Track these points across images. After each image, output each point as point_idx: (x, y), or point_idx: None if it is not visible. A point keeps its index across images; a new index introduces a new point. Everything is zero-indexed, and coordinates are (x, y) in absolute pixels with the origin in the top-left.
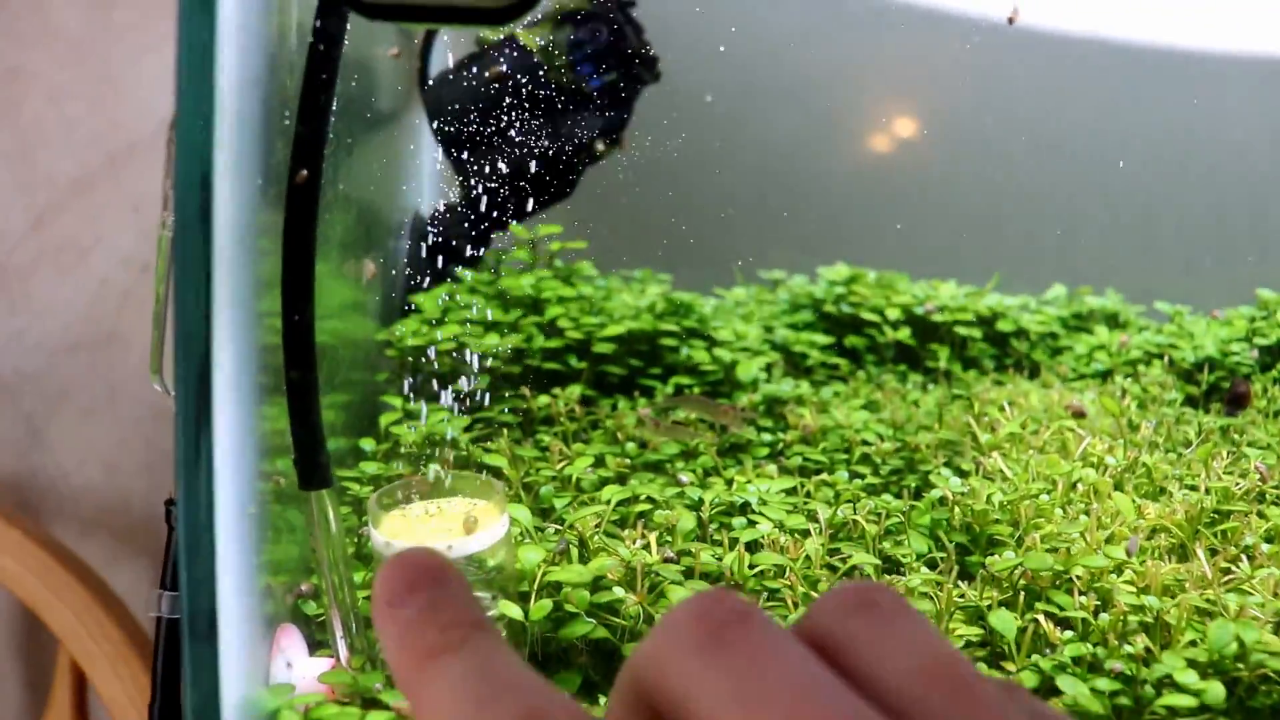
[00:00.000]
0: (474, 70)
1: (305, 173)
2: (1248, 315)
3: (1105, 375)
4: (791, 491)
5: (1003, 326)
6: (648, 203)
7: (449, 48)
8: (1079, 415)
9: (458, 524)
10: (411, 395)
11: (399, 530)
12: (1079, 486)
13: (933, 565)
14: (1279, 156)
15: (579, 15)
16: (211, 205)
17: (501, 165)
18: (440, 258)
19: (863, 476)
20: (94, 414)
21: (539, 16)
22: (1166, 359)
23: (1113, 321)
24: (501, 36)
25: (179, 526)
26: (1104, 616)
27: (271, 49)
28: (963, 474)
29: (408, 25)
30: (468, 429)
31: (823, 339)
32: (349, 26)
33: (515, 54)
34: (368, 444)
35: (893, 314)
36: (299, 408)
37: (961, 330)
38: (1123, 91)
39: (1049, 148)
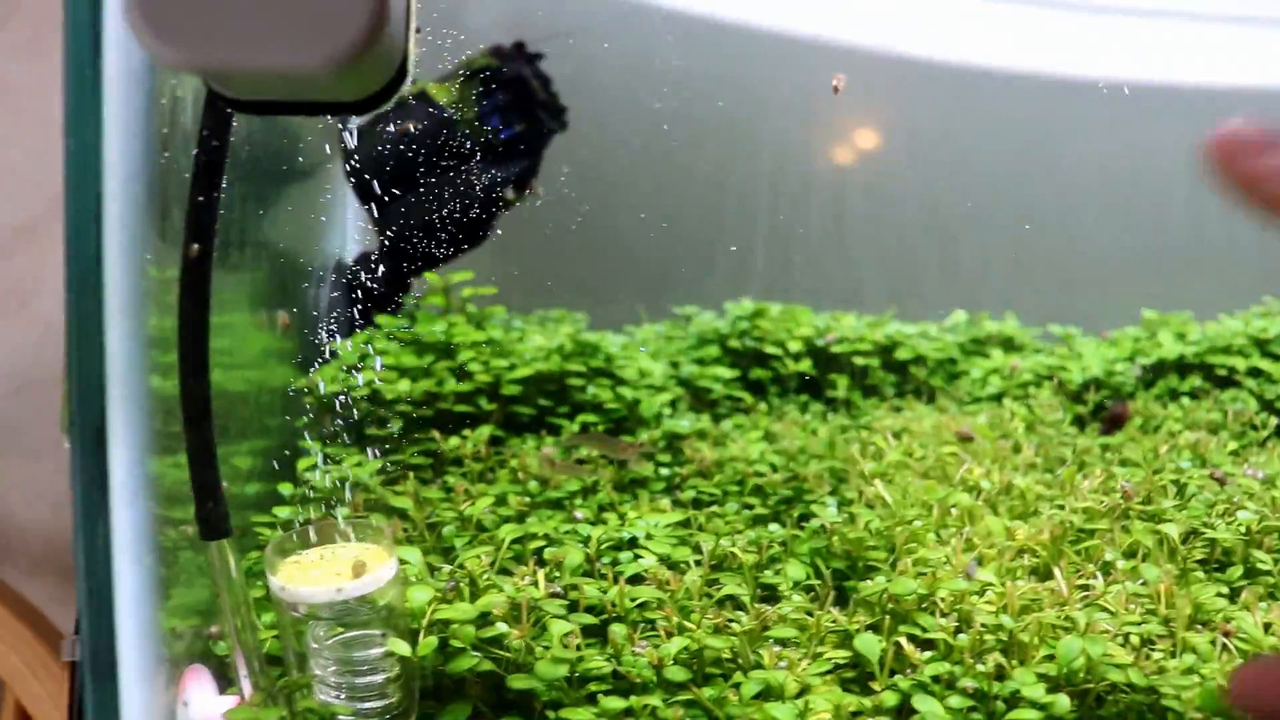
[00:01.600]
0: (388, 124)
1: (197, 246)
2: (1133, 335)
3: (999, 398)
4: (685, 524)
5: (901, 355)
6: (563, 245)
7: None
8: (966, 439)
9: (347, 567)
10: (328, 440)
11: (293, 575)
12: (954, 511)
13: (810, 591)
14: (1173, 181)
15: (487, 70)
16: (102, 275)
17: (416, 215)
18: (359, 305)
19: (752, 507)
20: (41, 455)
21: (449, 71)
22: (1055, 380)
23: (1009, 345)
24: (415, 91)
25: (78, 575)
26: (963, 636)
27: (159, 129)
28: (846, 502)
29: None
30: (381, 471)
31: (727, 373)
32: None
33: (428, 108)
34: (285, 488)
35: (794, 346)
36: (197, 464)
37: (860, 360)
38: (1026, 123)
39: (958, 179)
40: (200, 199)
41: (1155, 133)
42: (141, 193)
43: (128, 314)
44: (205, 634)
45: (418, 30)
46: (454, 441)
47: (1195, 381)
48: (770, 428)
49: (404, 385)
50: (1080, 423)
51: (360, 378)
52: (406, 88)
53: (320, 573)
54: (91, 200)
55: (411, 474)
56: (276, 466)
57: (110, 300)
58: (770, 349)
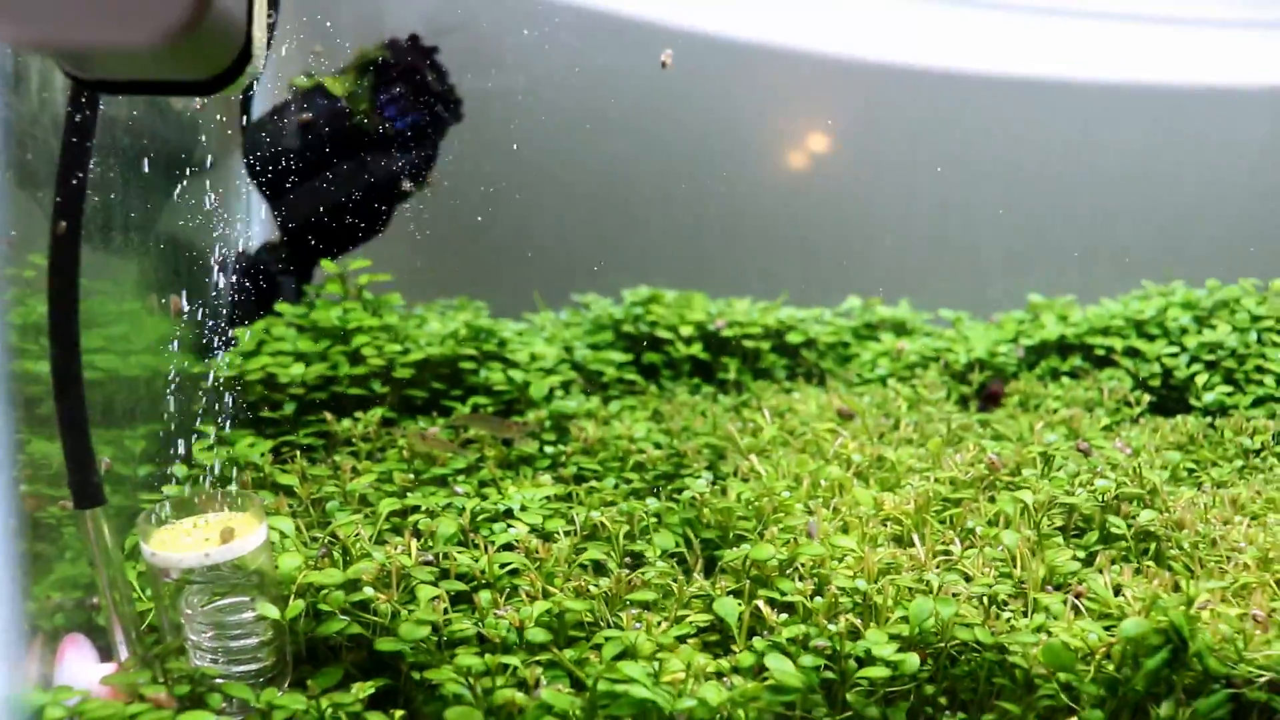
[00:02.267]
0: (286, 116)
1: (64, 224)
2: (1018, 318)
3: (885, 380)
4: (567, 498)
5: (793, 339)
6: (469, 233)
7: (269, 96)
8: (847, 417)
9: (216, 534)
10: (223, 423)
11: (165, 542)
12: (824, 483)
13: (682, 561)
14: (1069, 173)
15: (382, 61)
16: None
17: (315, 205)
18: (259, 293)
19: (630, 482)
20: None
21: (344, 64)
22: (942, 362)
23: (900, 329)
24: (312, 84)
25: None
26: (819, 599)
27: (29, 112)
28: (722, 476)
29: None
30: (274, 451)
31: (620, 357)
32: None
33: (323, 101)
34: (179, 470)
35: (686, 330)
36: (67, 434)
37: (751, 344)
38: (933, 113)
39: (865, 171)
40: (68, 177)
41: (1057, 127)
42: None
43: None
44: (87, 605)
45: (270, 16)
46: (346, 423)
47: (1075, 361)
48: (659, 408)
49: (297, 369)
50: (964, 402)
51: (258, 363)
52: (261, 71)
53: (190, 539)
54: None
55: (299, 454)
56: (169, 449)
57: None
58: (663, 333)
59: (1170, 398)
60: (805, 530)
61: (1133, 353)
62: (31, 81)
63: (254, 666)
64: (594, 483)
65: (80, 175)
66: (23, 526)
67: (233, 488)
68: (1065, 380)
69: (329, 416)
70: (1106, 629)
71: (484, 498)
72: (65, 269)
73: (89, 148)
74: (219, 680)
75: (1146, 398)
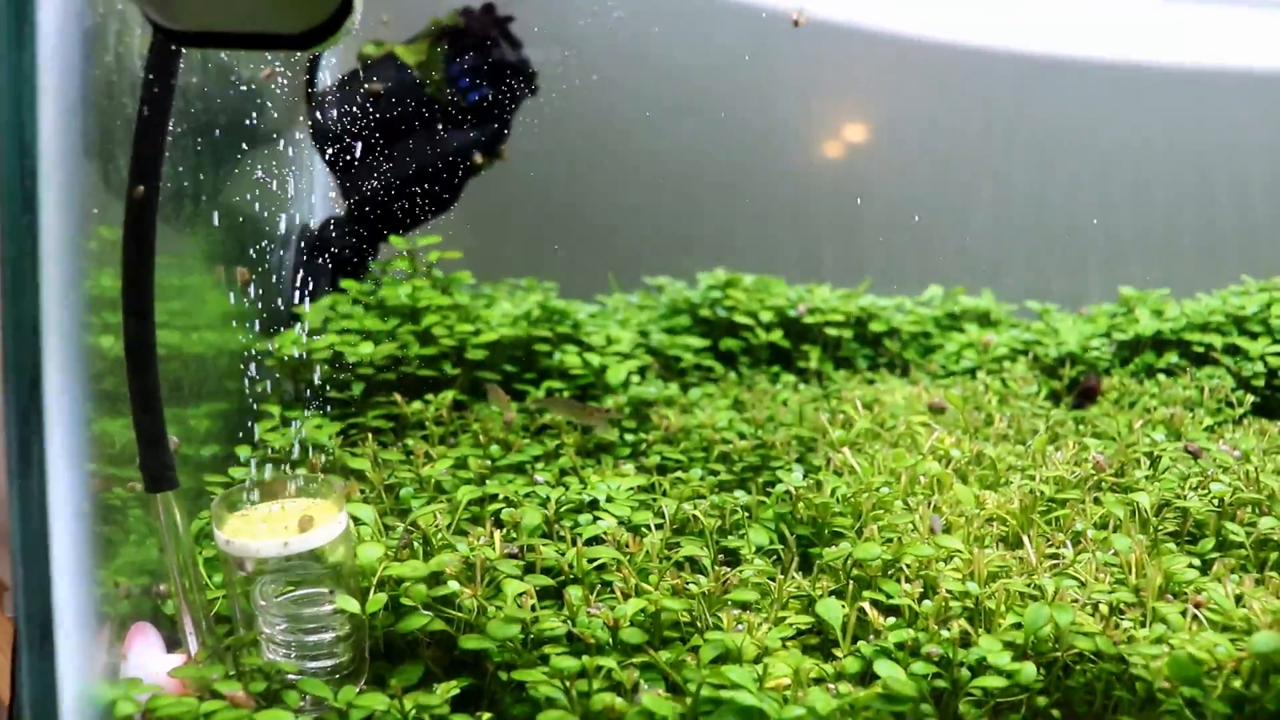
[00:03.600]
0: (355, 87)
1: (142, 188)
2: (1109, 312)
3: (973, 372)
4: (648, 489)
5: (875, 327)
6: (537, 213)
7: (335, 66)
8: (938, 411)
9: (295, 522)
10: (289, 403)
11: (240, 529)
12: (923, 479)
13: (776, 558)
14: (1157, 163)
15: (456, 31)
16: (37, 223)
17: (383, 179)
18: (324, 269)
19: (717, 474)
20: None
21: (417, 33)
22: (1031, 355)
23: (985, 320)
24: (382, 54)
25: (13, 531)
26: (928, 603)
27: (104, 77)
28: (813, 470)
29: (214, 50)
30: (341, 434)
31: (698, 342)
32: (197, 53)
33: (394, 71)
34: (243, 451)
35: (766, 317)
36: (139, 410)
37: (833, 331)
38: (1012, 100)
39: (941, 156)
40: (146, 141)
41: (1141, 115)
42: (80, 139)
43: (65, 267)
44: (153, 593)
45: None
46: (416, 405)
47: (1172, 358)
48: (740, 397)
49: (366, 349)
50: (1055, 397)
51: (325, 341)
52: (355, 33)
53: (267, 527)
54: (27, 158)
55: (371, 436)
56: (234, 429)
57: (45, 252)
58: (741, 319)
59: (1276, 399)
60: (909, 528)
61: (1233, 350)
62: (109, 40)
63: (329, 663)
64: (679, 473)
65: (160, 138)
66: (95, 509)
67: (302, 471)
68: (1161, 378)
69: (399, 398)
70: (1232, 642)
71: (565, 487)
72: (142, 236)
73: (168, 110)
74: (294, 677)
75: (1250, 398)
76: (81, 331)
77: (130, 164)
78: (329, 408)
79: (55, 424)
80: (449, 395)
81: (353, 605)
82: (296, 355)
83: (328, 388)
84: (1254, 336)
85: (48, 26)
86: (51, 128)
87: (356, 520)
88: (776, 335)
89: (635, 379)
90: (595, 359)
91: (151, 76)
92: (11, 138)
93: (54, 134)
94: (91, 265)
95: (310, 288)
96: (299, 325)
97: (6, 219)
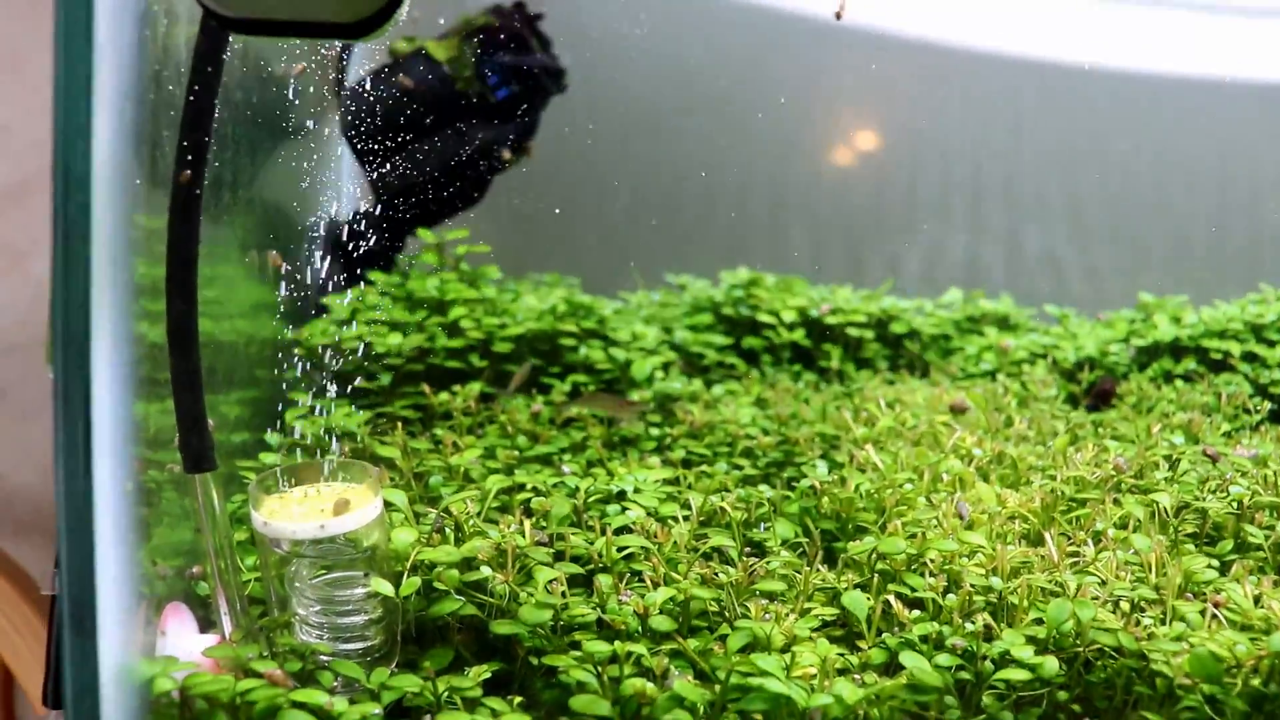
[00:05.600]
0: (385, 82)
1: (188, 173)
2: (1128, 317)
3: (992, 375)
4: (674, 482)
5: (896, 328)
6: (561, 209)
7: (364, 60)
8: (960, 411)
9: (330, 505)
10: (317, 391)
11: (276, 511)
12: (945, 477)
13: (800, 551)
14: (1173, 170)
15: (487, 28)
16: (90, 208)
17: (412, 173)
18: (353, 261)
19: (741, 468)
20: (29, 416)
21: (448, 30)
22: (1050, 359)
23: (1004, 324)
24: (412, 49)
25: (59, 508)
26: (951, 597)
27: (152, 65)
28: (837, 466)
29: (269, 39)
30: (369, 423)
31: (721, 340)
32: (233, 43)
33: (425, 66)
34: (272, 438)
35: (788, 316)
36: (181, 391)
37: (854, 332)
38: (1035, 107)
39: (957, 159)
40: (193, 124)
41: (1158, 122)
42: (132, 130)
43: (113, 251)
44: (187, 574)
45: None
46: (443, 396)
47: (1190, 364)
48: (762, 394)
49: (394, 339)
50: (1074, 401)
51: (347, 333)
52: (401, 36)
53: (303, 509)
54: (82, 138)
55: (400, 425)
56: (264, 416)
57: (97, 234)
58: (764, 318)
59: None
60: (933, 523)
61: (1250, 357)
62: (158, 27)
63: (361, 645)
64: (704, 467)
65: (207, 123)
66: (142, 495)
67: (332, 457)
68: (1179, 383)
69: (427, 389)
70: (1251, 641)
71: (593, 478)
72: (187, 218)
73: (216, 94)
74: (327, 658)
75: (1267, 405)
76: (127, 314)
77: (177, 149)
78: (357, 397)
79: (101, 405)
80: (476, 387)
81: (387, 589)
82: (325, 345)
83: (358, 377)
84: (1271, 344)
85: (104, 11)
86: (104, 113)
87: (390, 505)
88: (799, 334)
89: (660, 375)
90: (620, 354)
91: (202, 60)
92: (70, 122)
93: (105, 119)
94: (134, 252)
95: (339, 279)
96: (328, 315)
97: (60, 198)
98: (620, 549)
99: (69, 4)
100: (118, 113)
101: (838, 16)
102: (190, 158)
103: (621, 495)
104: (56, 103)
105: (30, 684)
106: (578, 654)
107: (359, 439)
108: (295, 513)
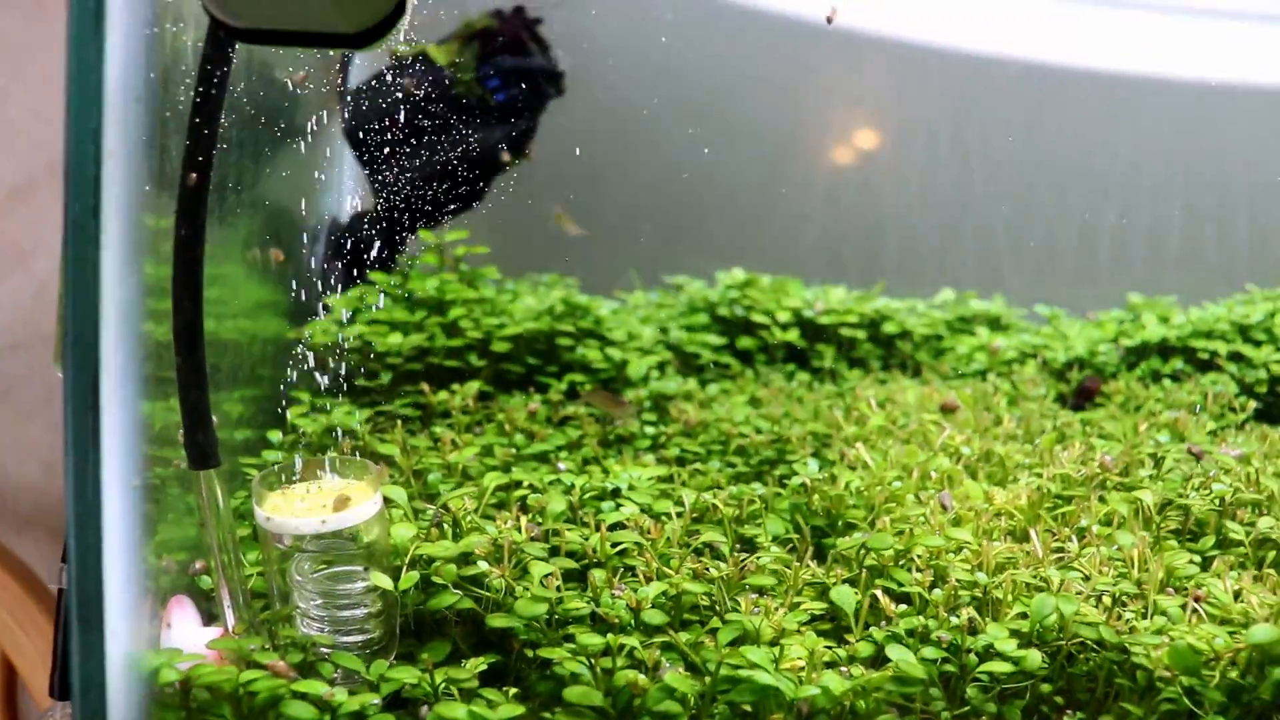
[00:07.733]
0: (386, 85)
1: (195, 175)
2: (1117, 318)
3: (983, 374)
4: (668, 480)
5: (888, 329)
6: (561, 210)
7: (366, 63)
8: (950, 410)
9: (332, 500)
10: (318, 390)
11: (278, 507)
12: (934, 474)
13: (790, 547)
14: (1164, 172)
15: (486, 32)
16: (100, 210)
17: (412, 174)
18: (353, 261)
19: (734, 466)
20: (33, 414)
21: (448, 33)
22: (1040, 359)
23: (995, 324)
24: (413, 53)
25: (68, 504)
26: (937, 592)
27: (161, 68)
28: (828, 464)
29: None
30: (369, 421)
31: (716, 340)
32: (237, 49)
33: (426, 69)
34: (274, 435)
35: (782, 316)
36: (187, 388)
37: (847, 332)
38: (1023, 109)
39: (949, 161)
40: (200, 128)
41: (1148, 124)
42: (140, 133)
43: (122, 250)
44: (191, 569)
45: None
46: (442, 395)
47: (1177, 364)
48: (756, 393)
49: (395, 339)
50: (1063, 400)
51: (353, 331)
52: (402, 40)
53: (305, 505)
54: (93, 141)
55: (399, 423)
56: (266, 415)
57: (107, 233)
58: (758, 318)
59: (1278, 405)
60: (921, 519)
61: (1237, 357)
62: (165, 32)
63: (360, 638)
64: (697, 465)
65: (213, 126)
66: (148, 492)
67: (337, 454)
68: (1167, 383)
69: (426, 387)
70: (1230, 635)
71: (588, 475)
72: (193, 220)
73: (222, 98)
74: (327, 650)
75: (1252, 404)
76: (135, 314)
77: (184, 151)
78: (357, 395)
79: (109, 403)
80: (474, 386)
81: (386, 582)
82: (326, 344)
83: (357, 376)
84: (1258, 344)
85: (115, 14)
86: (113, 115)
87: (389, 502)
88: (792, 334)
89: (655, 374)
90: (617, 354)
91: (208, 67)
92: (81, 125)
93: (114, 121)
94: (141, 253)
95: (340, 279)
96: (328, 315)
97: (71, 201)
98: (614, 544)
99: (81, 7)
100: (127, 115)
101: (829, 20)
102: (197, 160)
103: (616, 492)
104: (68, 106)
105: (33, 677)
106: (572, 646)
107: (360, 437)
108: (297, 508)
